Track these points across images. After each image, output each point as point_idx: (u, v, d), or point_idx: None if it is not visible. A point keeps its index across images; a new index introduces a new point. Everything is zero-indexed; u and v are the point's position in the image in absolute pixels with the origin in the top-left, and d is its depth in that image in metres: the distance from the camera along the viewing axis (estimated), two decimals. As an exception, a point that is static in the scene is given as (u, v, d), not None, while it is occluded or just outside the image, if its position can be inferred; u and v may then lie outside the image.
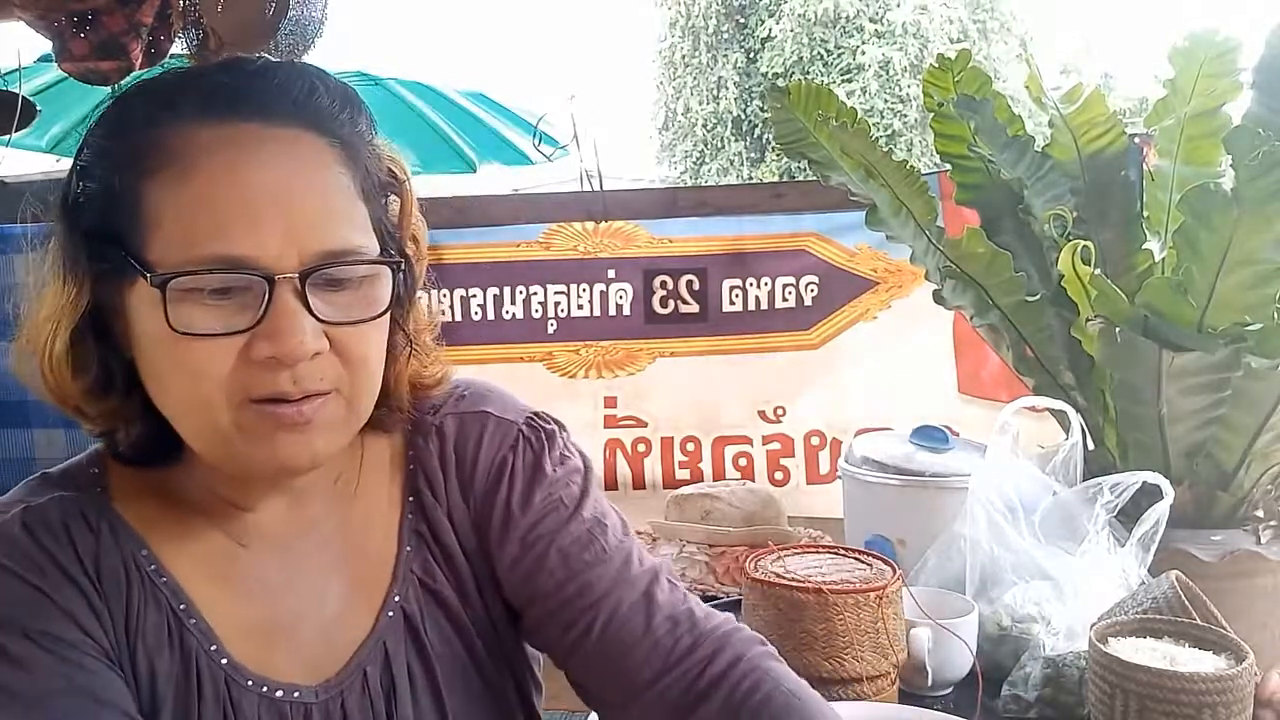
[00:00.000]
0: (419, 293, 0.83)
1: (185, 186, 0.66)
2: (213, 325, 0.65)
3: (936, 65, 1.44)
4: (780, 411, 2.45)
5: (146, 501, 0.75)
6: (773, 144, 1.55)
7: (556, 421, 0.86)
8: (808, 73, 16.43)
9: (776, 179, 14.90)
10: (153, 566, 0.73)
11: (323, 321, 0.68)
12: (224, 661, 0.73)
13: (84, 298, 0.70)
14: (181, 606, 0.73)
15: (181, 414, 0.70)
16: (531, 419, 0.84)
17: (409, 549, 0.80)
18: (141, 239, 0.67)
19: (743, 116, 17.94)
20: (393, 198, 0.78)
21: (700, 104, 18.27)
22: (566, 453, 0.84)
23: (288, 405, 0.67)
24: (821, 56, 16.96)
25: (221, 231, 0.65)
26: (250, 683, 0.73)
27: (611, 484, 2.40)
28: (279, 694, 0.74)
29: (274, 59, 0.73)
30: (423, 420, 0.83)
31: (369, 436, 0.82)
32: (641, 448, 2.42)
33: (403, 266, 0.74)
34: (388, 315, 0.74)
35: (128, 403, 0.73)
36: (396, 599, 0.78)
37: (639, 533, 1.65)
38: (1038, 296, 1.29)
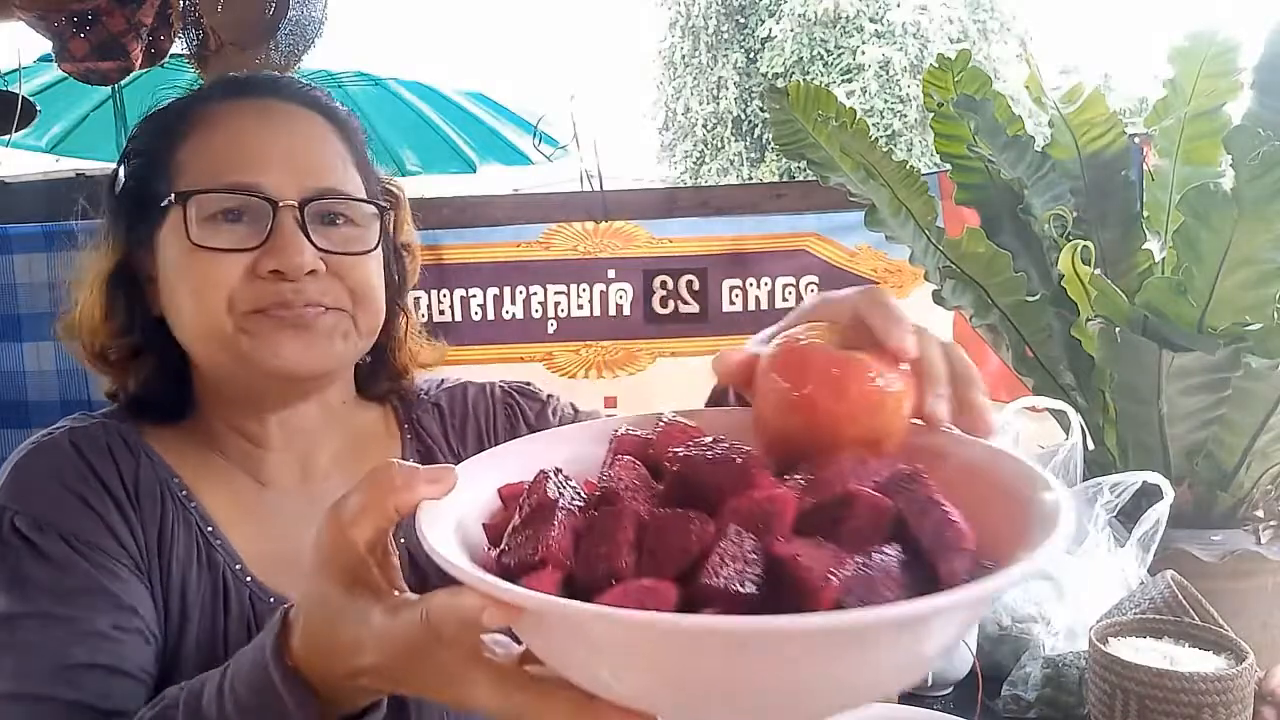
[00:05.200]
0: (416, 292, 0.98)
1: (208, 141, 0.81)
2: (225, 242, 0.78)
3: (936, 65, 1.44)
4: (780, 411, 2.45)
5: (174, 445, 0.85)
6: (773, 144, 1.55)
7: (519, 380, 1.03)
8: (808, 73, 16.45)
9: (776, 179, 14.92)
10: (184, 492, 0.83)
11: (320, 250, 0.79)
12: (248, 580, 0.81)
13: (118, 252, 0.83)
14: (209, 528, 0.82)
15: (194, 330, 0.80)
16: (502, 380, 1.01)
17: None
18: (170, 186, 0.80)
19: (743, 116, 17.95)
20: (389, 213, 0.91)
21: (700, 104, 18.28)
22: (542, 389, 1.01)
23: (288, 309, 0.78)
24: (821, 56, 16.97)
25: (235, 165, 0.79)
26: (273, 600, 0.81)
27: (611, 484, 2.40)
28: None
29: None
30: (417, 399, 0.97)
31: (369, 406, 0.95)
32: (641, 448, 2.42)
33: (388, 211, 0.87)
34: (381, 259, 0.86)
35: (142, 351, 0.84)
36: (402, 540, 0.84)
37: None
38: (1038, 296, 1.29)
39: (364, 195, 0.85)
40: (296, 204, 0.79)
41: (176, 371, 0.85)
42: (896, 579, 0.42)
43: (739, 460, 0.46)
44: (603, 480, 0.50)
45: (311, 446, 0.88)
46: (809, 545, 0.42)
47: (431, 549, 0.45)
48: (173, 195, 0.78)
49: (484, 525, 0.52)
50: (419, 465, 0.52)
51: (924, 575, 0.43)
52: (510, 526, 0.48)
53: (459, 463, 0.89)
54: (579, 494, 0.49)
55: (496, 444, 0.94)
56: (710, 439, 0.49)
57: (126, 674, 0.72)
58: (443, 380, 1.01)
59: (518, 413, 0.98)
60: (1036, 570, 0.41)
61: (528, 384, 1.02)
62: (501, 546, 0.47)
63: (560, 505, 0.46)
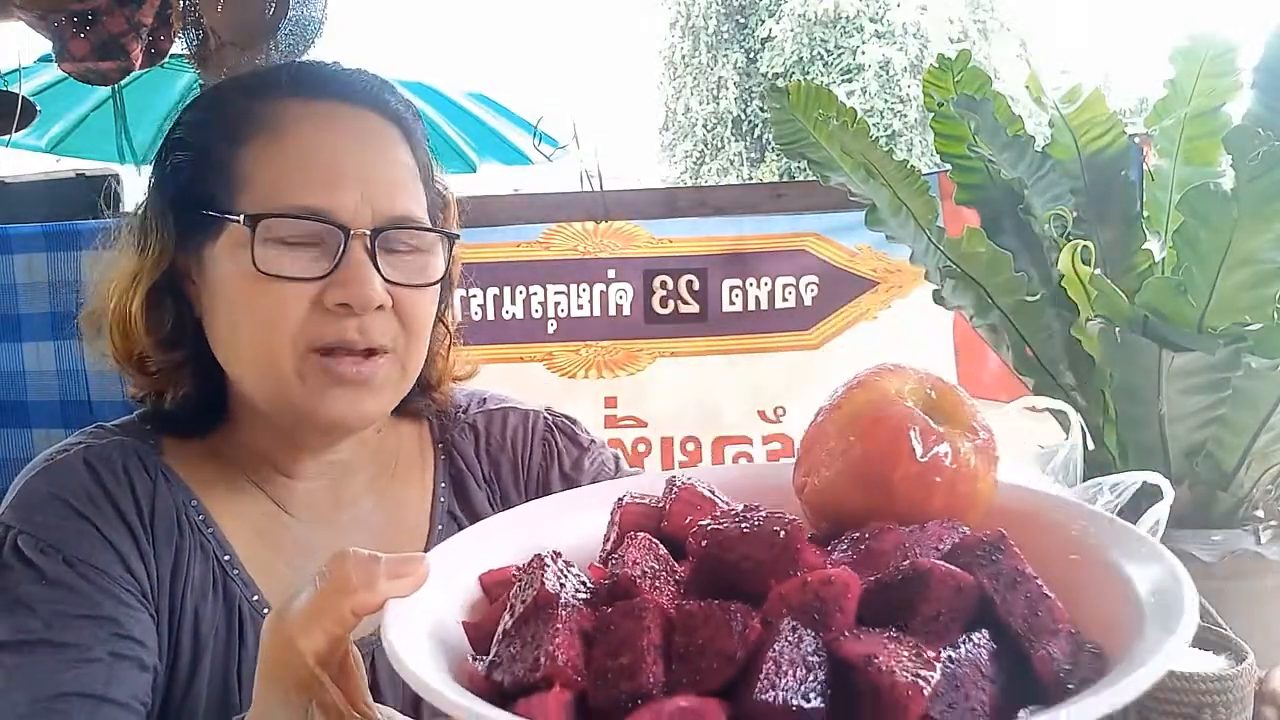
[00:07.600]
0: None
1: (276, 149, 0.75)
2: (292, 270, 0.72)
3: (936, 65, 1.44)
4: (780, 411, 2.45)
5: (196, 463, 0.81)
6: (773, 144, 1.55)
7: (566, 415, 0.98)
8: (808, 73, 16.46)
9: (776, 179, 14.94)
10: (201, 517, 0.79)
11: (387, 281, 0.75)
12: (265, 612, 0.77)
13: (166, 258, 0.78)
14: (226, 558, 0.78)
15: (248, 359, 0.76)
16: (550, 408, 0.96)
17: (440, 528, 0.85)
18: (231, 196, 0.74)
19: (743, 116, 17.97)
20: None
21: (700, 104, 18.30)
22: (587, 432, 0.96)
23: (348, 362, 0.73)
24: (821, 56, 16.98)
25: (307, 185, 0.73)
26: None
27: (611, 484, 2.40)
28: None
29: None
30: (453, 418, 0.93)
31: (403, 423, 0.90)
32: (641, 448, 2.42)
33: (455, 241, 0.83)
34: (438, 290, 0.82)
35: (186, 363, 0.80)
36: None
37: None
38: (1038, 296, 1.29)
39: (428, 210, 0.81)
40: (369, 233, 0.74)
41: (212, 383, 0.81)
42: (988, 675, 0.34)
43: (781, 533, 0.36)
44: (612, 564, 0.40)
45: (343, 474, 0.85)
46: (881, 640, 0.34)
47: (402, 666, 0.36)
48: (242, 216, 0.73)
49: (464, 624, 0.42)
50: (381, 555, 0.42)
51: (1012, 664, 0.36)
52: (501, 630, 0.37)
53: (493, 493, 0.85)
54: (585, 584, 0.39)
55: (529, 480, 0.90)
56: (740, 507, 0.39)
57: (117, 703, 0.69)
58: (485, 399, 0.97)
59: (554, 453, 0.93)
60: (1168, 665, 0.33)
61: (574, 422, 0.96)
62: (491, 657, 0.37)
63: (563, 601, 0.36)
